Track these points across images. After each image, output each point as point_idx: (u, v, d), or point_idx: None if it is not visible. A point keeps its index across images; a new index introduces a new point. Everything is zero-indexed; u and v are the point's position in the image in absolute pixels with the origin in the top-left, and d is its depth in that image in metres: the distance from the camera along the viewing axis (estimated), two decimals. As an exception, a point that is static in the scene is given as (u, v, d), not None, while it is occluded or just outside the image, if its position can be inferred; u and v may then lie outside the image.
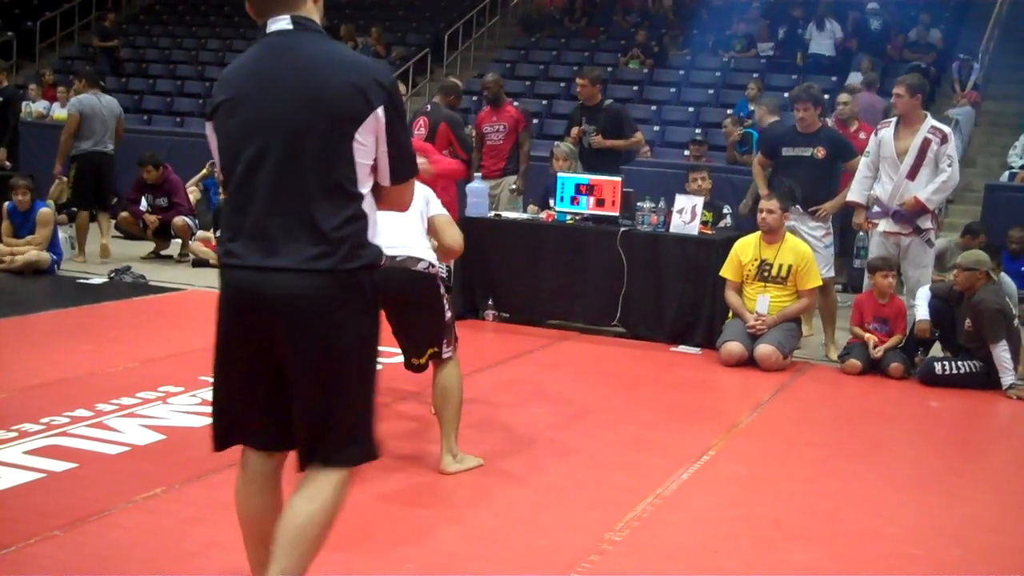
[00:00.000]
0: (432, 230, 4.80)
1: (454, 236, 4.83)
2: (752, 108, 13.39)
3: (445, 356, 4.67)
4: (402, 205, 3.06)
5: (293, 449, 2.96)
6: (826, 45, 15.61)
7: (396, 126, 2.85)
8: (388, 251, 4.46)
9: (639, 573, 3.79)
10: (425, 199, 4.78)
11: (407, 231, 4.59)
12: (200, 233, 11.21)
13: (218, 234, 2.90)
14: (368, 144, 2.81)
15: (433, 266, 4.62)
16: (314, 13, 2.90)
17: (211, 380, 3.01)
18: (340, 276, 2.80)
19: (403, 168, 2.93)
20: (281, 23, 2.85)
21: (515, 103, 10.18)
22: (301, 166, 2.76)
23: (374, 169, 2.88)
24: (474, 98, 14.44)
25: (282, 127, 2.77)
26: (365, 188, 2.85)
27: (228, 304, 2.88)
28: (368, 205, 2.87)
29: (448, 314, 4.71)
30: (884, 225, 7.41)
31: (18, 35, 19.70)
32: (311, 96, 2.76)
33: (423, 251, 4.63)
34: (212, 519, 4.05)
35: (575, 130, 9.29)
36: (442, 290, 4.69)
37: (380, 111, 2.80)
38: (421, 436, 5.21)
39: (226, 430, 3.01)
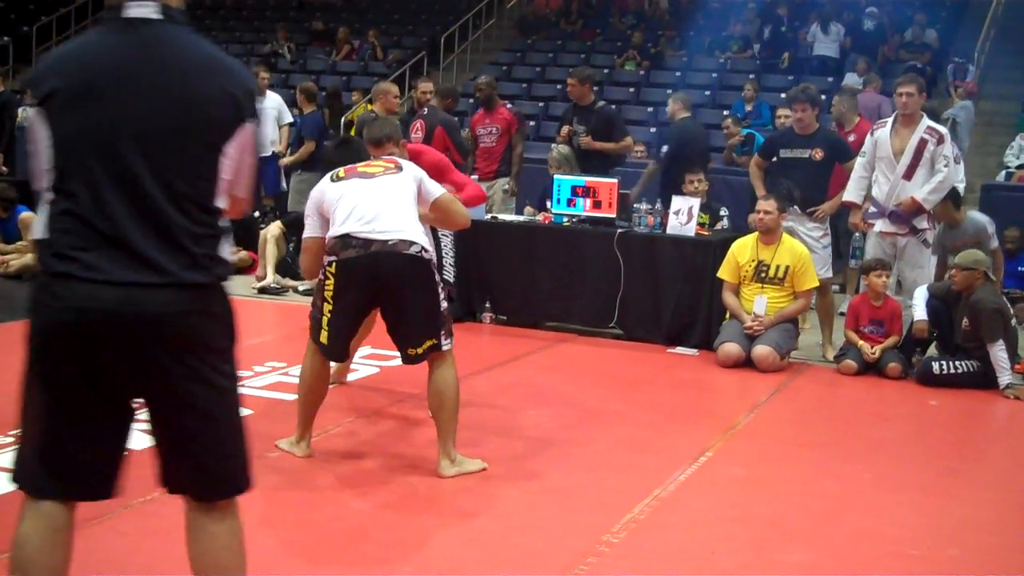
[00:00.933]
0: (439, 211, 4.80)
1: (461, 214, 4.90)
2: (749, 109, 13.41)
3: (444, 348, 4.63)
4: (239, 214, 2.81)
5: (102, 499, 2.74)
6: (832, 48, 15.60)
7: (256, 138, 2.66)
8: (380, 235, 4.51)
9: (637, 575, 3.79)
10: (417, 181, 4.76)
11: (399, 215, 4.58)
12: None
13: (36, 239, 2.64)
14: (233, 158, 2.57)
15: (426, 251, 4.59)
16: (180, 3, 2.59)
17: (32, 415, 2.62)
18: (207, 291, 2.56)
19: (253, 182, 2.73)
20: (146, 9, 2.50)
21: (508, 105, 10.21)
22: (159, 178, 2.47)
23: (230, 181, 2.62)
24: (470, 101, 14.44)
25: (145, 133, 2.47)
26: (223, 203, 2.59)
27: (67, 324, 2.50)
28: (223, 221, 2.61)
29: (444, 304, 4.68)
30: (880, 225, 7.42)
31: (14, 40, 19.69)
32: (183, 103, 2.48)
33: (416, 235, 4.59)
34: (209, 523, 4.04)
35: (565, 129, 9.28)
36: (437, 277, 4.66)
37: (248, 124, 2.58)
38: (419, 439, 5.20)
39: (52, 476, 2.63)
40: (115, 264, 2.46)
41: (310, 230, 4.75)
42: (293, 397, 5.03)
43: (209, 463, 2.67)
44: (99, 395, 2.57)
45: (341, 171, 4.77)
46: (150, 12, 2.50)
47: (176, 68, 2.50)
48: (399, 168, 4.79)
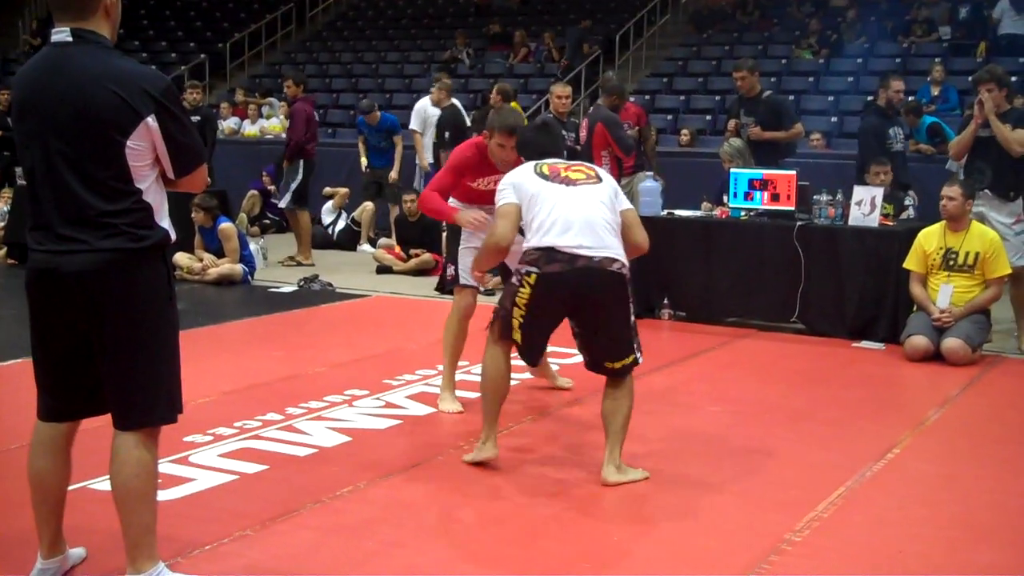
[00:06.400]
0: (624, 224, 4.68)
1: (643, 235, 4.78)
2: (935, 93, 12.92)
3: (640, 361, 4.60)
4: (196, 187, 3.40)
5: (82, 418, 3.39)
6: (1021, 25, 14.86)
7: (171, 128, 3.19)
8: (586, 251, 4.46)
9: (819, 575, 3.73)
10: (614, 190, 4.71)
11: (602, 230, 4.50)
12: (383, 240, 11.54)
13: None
14: (143, 148, 3.16)
15: (625, 266, 4.53)
16: (103, 25, 3.21)
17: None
18: (126, 254, 3.15)
19: (185, 163, 3.26)
20: (62, 35, 3.18)
21: (632, 98, 10.18)
22: (75, 170, 3.12)
23: (157, 162, 3.23)
24: (646, 97, 14.39)
25: (57, 136, 3.13)
26: (144, 183, 3.19)
27: (32, 280, 3.26)
28: (151, 196, 3.21)
29: (633, 317, 4.62)
30: None
31: (210, 57, 20.65)
32: (79, 110, 3.10)
33: (618, 251, 4.53)
34: (395, 519, 4.17)
35: (732, 123, 9.17)
36: (629, 291, 4.59)
37: (151, 119, 3.14)
38: (592, 442, 5.18)
39: (48, 405, 3.35)
40: (45, 237, 3.19)
41: (509, 198, 4.66)
42: (477, 395, 5.08)
43: (115, 396, 3.26)
44: (55, 334, 3.27)
45: (546, 167, 4.68)
46: (65, 36, 3.18)
47: (77, 83, 3.12)
48: (599, 178, 4.73)
